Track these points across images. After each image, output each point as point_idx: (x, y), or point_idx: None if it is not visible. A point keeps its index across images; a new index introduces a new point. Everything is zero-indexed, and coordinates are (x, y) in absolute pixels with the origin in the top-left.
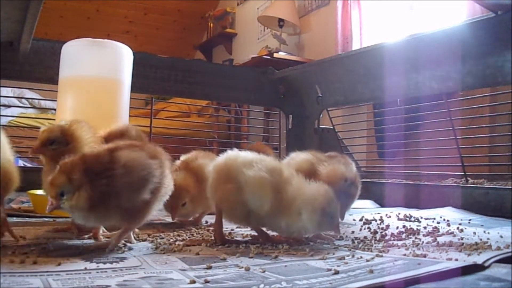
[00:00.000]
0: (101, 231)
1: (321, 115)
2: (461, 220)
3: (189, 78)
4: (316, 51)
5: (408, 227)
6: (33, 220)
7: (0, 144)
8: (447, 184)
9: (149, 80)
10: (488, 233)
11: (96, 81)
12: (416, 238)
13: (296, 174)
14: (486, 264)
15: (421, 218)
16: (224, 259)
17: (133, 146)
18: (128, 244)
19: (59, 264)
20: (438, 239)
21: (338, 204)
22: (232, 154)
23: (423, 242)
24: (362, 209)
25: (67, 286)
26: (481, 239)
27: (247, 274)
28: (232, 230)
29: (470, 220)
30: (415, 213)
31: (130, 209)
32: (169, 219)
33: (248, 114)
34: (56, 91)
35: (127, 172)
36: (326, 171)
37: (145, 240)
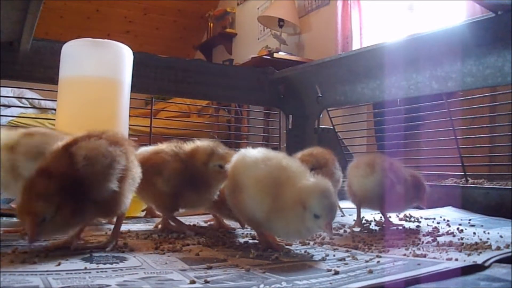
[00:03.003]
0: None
1: (321, 115)
2: (461, 220)
3: (189, 78)
4: (316, 51)
5: (408, 227)
6: None
7: None
8: (447, 184)
9: (149, 80)
10: (488, 233)
11: (96, 81)
12: (416, 238)
13: (304, 175)
14: (486, 264)
15: (421, 218)
16: (224, 260)
17: (91, 136)
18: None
19: (59, 264)
20: (438, 239)
21: (329, 202)
22: (241, 153)
23: (423, 242)
24: (362, 209)
25: (67, 285)
26: (481, 239)
27: (247, 274)
28: (233, 229)
29: (470, 220)
30: (415, 213)
31: (101, 201)
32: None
33: (248, 114)
34: (56, 91)
35: (90, 163)
36: None
37: (145, 239)
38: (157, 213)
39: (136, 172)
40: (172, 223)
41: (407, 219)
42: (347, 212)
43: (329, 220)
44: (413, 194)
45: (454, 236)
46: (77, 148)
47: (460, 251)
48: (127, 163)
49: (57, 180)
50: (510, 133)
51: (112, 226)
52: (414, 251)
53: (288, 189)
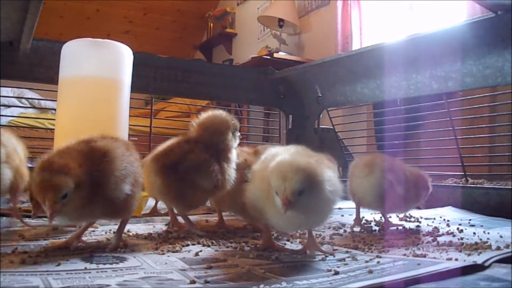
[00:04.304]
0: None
1: (321, 115)
2: (461, 220)
3: (189, 78)
4: (316, 51)
5: (408, 227)
6: (33, 220)
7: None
8: (447, 184)
9: (149, 80)
10: (488, 233)
11: (96, 81)
12: (416, 238)
13: None
14: (486, 264)
15: (421, 218)
16: (224, 260)
17: (107, 138)
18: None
19: (59, 264)
20: (438, 239)
21: (279, 174)
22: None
23: (423, 242)
24: (362, 209)
25: (67, 285)
26: (481, 239)
27: (247, 274)
28: (232, 230)
29: (470, 220)
30: (415, 213)
31: (112, 201)
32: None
33: (248, 114)
34: (56, 91)
35: (110, 160)
36: None
37: (145, 239)
38: (162, 212)
39: (142, 180)
40: (184, 222)
41: (407, 219)
42: (347, 212)
43: (283, 194)
44: (415, 194)
45: (454, 236)
46: (99, 144)
47: (460, 251)
48: (137, 169)
49: (77, 161)
50: (510, 133)
51: (112, 226)
52: (414, 251)
53: None
